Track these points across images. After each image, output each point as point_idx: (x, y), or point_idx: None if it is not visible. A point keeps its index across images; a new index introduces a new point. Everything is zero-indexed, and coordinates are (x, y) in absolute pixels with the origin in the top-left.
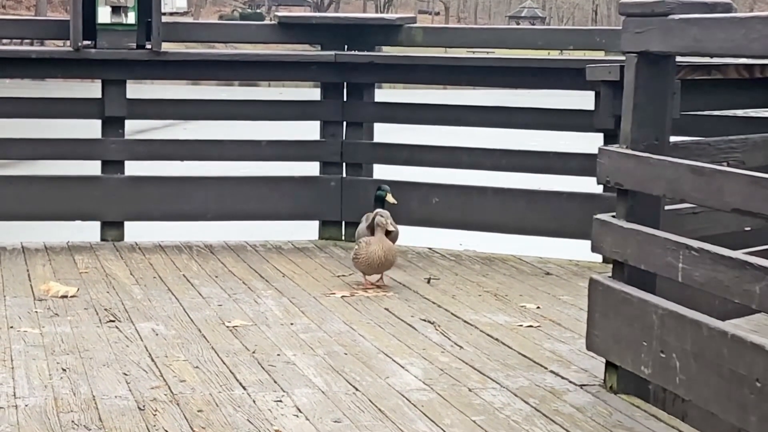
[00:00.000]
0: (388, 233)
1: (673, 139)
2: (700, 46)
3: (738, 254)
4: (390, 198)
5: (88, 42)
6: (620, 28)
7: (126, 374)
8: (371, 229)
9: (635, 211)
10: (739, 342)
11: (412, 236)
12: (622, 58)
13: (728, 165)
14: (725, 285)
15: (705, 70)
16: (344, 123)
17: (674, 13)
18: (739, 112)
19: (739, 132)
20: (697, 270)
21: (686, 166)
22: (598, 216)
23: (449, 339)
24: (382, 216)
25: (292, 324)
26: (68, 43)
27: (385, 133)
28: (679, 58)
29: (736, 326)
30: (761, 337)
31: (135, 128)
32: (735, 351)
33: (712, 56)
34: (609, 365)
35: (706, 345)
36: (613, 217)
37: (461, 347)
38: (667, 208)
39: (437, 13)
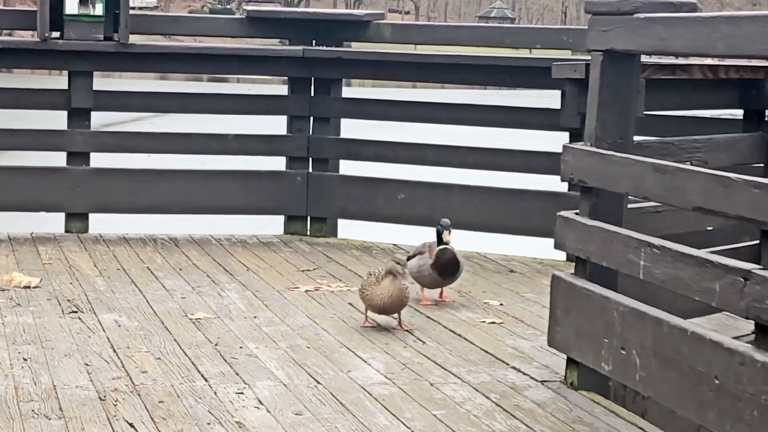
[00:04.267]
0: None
1: (636, 138)
2: (665, 45)
3: (698, 252)
4: (446, 236)
5: (56, 33)
6: (587, 27)
7: (87, 365)
8: (436, 269)
9: (598, 208)
10: (699, 339)
11: (377, 232)
12: (589, 57)
13: (691, 164)
14: (686, 282)
15: (670, 69)
16: (311, 118)
17: (639, 12)
18: (704, 113)
19: (702, 132)
20: (658, 267)
21: (649, 165)
22: (562, 213)
23: (412, 334)
24: (399, 263)
25: (255, 317)
26: (36, 33)
27: (354, 130)
28: (644, 58)
29: (695, 324)
30: (720, 334)
31: (102, 122)
32: (694, 348)
33: (677, 56)
34: (570, 362)
35: (665, 342)
36: (577, 214)
37: (424, 342)
38: (630, 206)
39: (407, 12)
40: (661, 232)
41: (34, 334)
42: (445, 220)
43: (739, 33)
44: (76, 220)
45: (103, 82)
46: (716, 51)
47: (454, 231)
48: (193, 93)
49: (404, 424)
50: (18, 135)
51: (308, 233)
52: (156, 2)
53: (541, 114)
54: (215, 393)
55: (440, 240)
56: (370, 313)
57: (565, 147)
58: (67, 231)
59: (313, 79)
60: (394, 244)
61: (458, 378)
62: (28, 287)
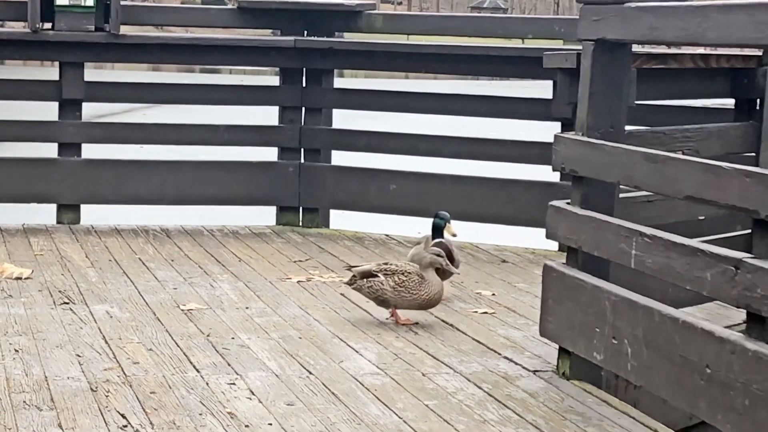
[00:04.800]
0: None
1: (628, 128)
2: (656, 35)
3: (690, 241)
4: (450, 229)
5: (47, 24)
6: (578, 17)
7: (79, 356)
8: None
9: (590, 198)
10: (690, 328)
11: (369, 223)
12: (581, 47)
13: (683, 154)
14: (677, 272)
15: (661, 59)
16: (303, 109)
17: (631, 1)
18: (696, 102)
19: (694, 121)
20: (649, 257)
21: (640, 154)
22: (553, 203)
23: (404, 324)
24: (440, 255)
25: (247, 308)
26: (27, 24)
27: (346, 120)
28: (636, 47)
29: (687, 313)
30: (712, 323)
31: (94, 113)
32: (686, 337)
33: (669, 45)
34: (562, 351)
35: (657, 331)
36: (568, 203)
37: (416, 333)
38: (621, 195)
39: (399, 3)
40: (652, 222)
41: (26, 325)
42: (445, 213)
43: (730, 22)
44: (68, 211)
45: (94, 73)
46: (707, 40)
47: None
48: (185, 84)
49: (396, 414)
50: (9, 126)
51: (300, 224)
52: None
53: (532, 104)
54: (207, 384)
55: (436, 233)
56: (373, 307)
57: (556, 136)
58: (58, 222)
59: (304, 69)
60: (387, 235)
61: (450, 368)
62: (20, 278)
